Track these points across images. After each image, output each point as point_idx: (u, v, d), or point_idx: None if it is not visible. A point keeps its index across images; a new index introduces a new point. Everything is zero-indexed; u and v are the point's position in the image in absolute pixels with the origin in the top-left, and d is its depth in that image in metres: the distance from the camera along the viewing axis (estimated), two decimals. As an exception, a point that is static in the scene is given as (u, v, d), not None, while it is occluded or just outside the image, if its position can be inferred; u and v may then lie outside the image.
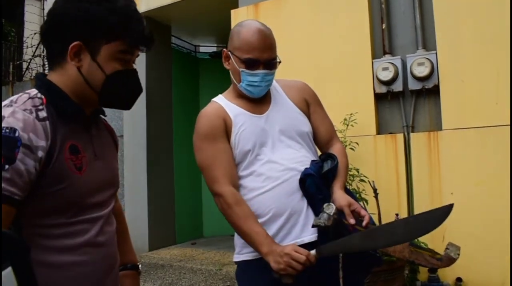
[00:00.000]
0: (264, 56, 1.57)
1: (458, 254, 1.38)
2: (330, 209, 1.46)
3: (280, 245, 1.45)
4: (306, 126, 1.68)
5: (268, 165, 1.58)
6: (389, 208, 3.28)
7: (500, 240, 2.96)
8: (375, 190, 3.19)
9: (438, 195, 3.30)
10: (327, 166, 1.59)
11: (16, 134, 0.95)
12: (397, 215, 3.14)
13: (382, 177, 3.41)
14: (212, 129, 1.60)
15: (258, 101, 1.66)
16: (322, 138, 1.74)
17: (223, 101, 1.67)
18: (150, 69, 5.00)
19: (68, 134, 1.08)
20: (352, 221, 1.45)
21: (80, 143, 1.12)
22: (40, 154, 0.99)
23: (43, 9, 7.44)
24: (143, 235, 4.84)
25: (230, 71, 1.66)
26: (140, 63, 4.88)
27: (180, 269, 4.04)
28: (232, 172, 1.58)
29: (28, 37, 7.02)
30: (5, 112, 0.98)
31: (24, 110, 1.01)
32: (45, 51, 1.14)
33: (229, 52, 1.63)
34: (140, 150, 4.96)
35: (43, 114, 1.03)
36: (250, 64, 1.57)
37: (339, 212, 1.46)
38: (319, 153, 1.74)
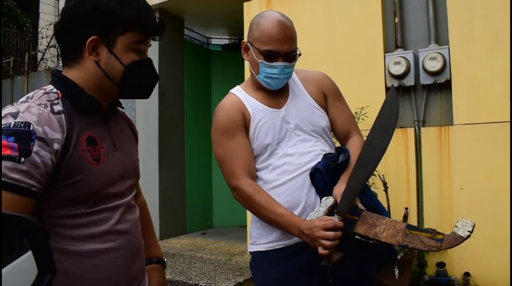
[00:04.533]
0: (283, 48, 1.54)
1: (469, 232, 1.25)
2: (327, 202, 1.47)
3: (305, 223, 1.42)
4: (323, 121, 1.66)
5: (285, 158, 1.58)
6: (399, 202, 3.29)
7: (509, 236, 2.95)
8: (385, 184, 3.19)
9: (448, 189, 3.30)
10: (340, 159, 1.58)
11: (31, 128, 0.97)
12: (406, 208, 3.14)
13: (392, 171, 3.41)
14: (231, 123, 1.59)
15: (277, 94, 1.64)
16: (339, 131, 1.72)
17: (241, 94, 1.66)
18: (163, 60, 5.03)
19: (85, 126, 1.10)
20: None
21: (97, 135, 1.13)
22: (56, 146, 1.01)
23: (58, 0, 7.50)
24: (154, 224, 4.82)
25: (249, 62, 1.64)
26: (153, 55, 4.87)
27: (190, 259, 4.10)
28: (250, 166, 1.58)
29: (43, 28, 7.10)
30: (21, 107, 1.01)
31: (39, 105, 1.03)
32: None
33: (248, 44, 1.61)
34: (152, 140, 5.00)
35: (58, 108, 1.06)
36: (269, 56, 1.54)
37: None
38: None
